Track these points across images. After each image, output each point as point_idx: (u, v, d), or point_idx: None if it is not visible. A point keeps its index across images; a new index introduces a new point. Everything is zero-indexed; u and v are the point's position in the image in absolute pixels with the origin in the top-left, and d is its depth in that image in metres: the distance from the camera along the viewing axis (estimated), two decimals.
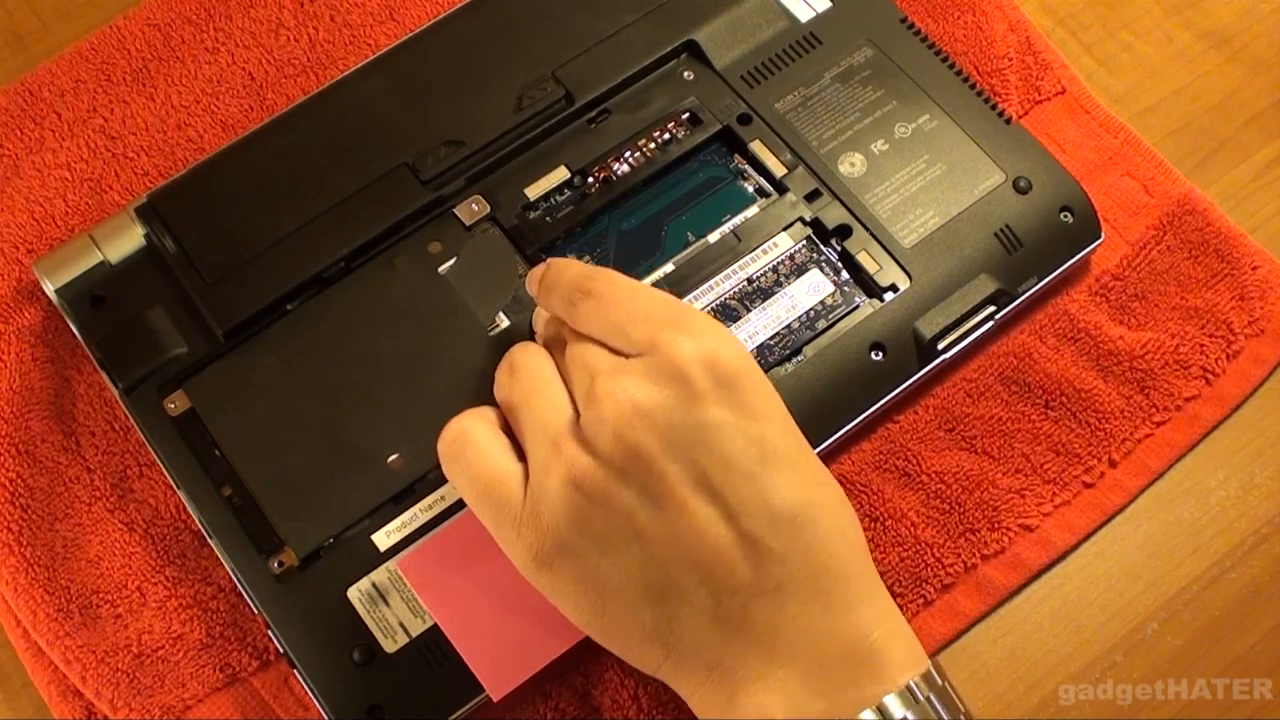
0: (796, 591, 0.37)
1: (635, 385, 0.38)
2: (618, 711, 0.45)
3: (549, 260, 0.44)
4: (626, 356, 0.39)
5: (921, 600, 0.47)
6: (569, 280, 0.41)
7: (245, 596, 0.45)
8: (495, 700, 0.42)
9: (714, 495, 0.38)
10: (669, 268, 0.49)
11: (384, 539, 0.45)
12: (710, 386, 0.38)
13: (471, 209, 0.50)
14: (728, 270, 0.49)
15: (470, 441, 0.41)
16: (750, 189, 0.51)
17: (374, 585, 0.44)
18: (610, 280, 0.41)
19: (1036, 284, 0.49)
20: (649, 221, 0.51)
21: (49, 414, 0.50)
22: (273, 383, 0.47)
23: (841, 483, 0.48)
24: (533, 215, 0.50)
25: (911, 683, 0.37)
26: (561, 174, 0.51)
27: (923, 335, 0.48)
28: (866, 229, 0.49)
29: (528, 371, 0.42)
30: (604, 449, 0.38)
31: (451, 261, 0.49)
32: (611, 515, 0.38)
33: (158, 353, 0.48)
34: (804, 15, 0.54)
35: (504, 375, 0.42)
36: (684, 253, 0.50)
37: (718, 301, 0.49)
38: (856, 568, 0.38)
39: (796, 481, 0.38)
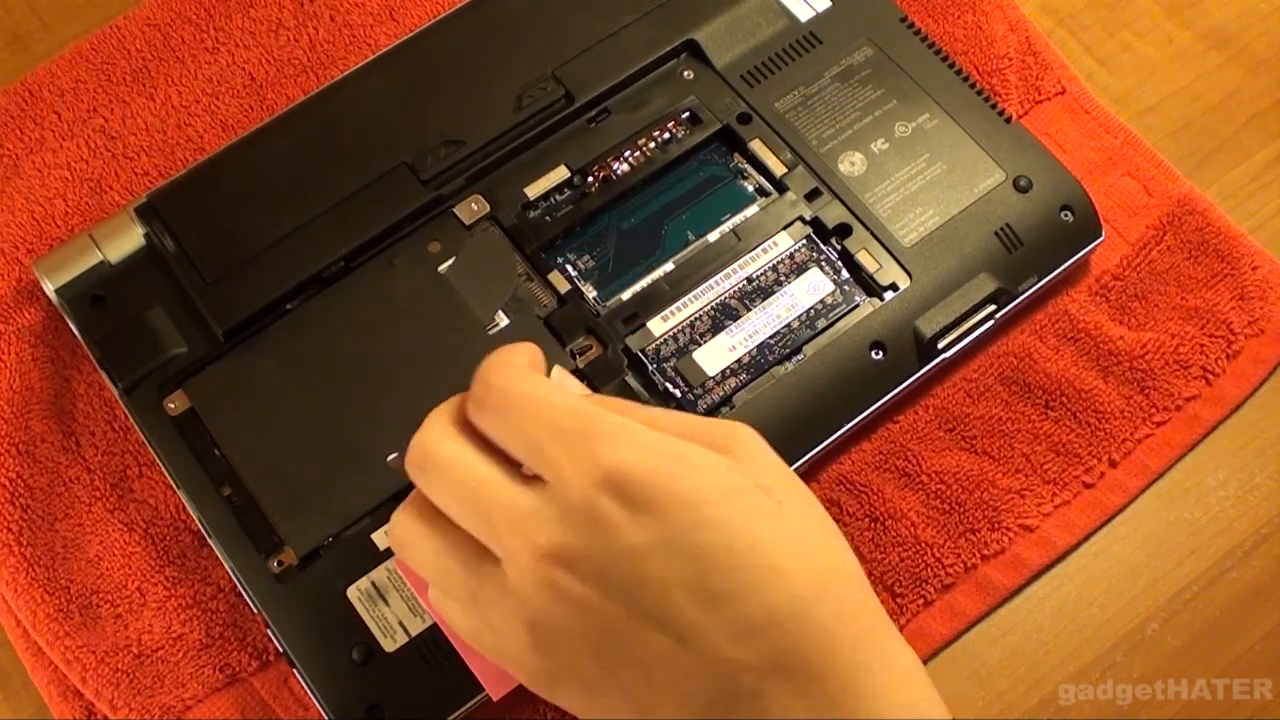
0: (777, 695, 0.34)
1: (548, 534, 0.34)
2: None
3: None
4: (527, 476, 0.36)
5: (921, 600, 0.47)
6: (481, 378, 0.37)
7: (245, 596, 0.45)
8: (494, 699, 0.42)
9: (663, 625, 0.34)
10: (669, 267, 0.49)
11: (383, 538, 0.45)
12: (623, 510, 0.34)
13: (471, 208, 0.50)
14: (728, 269, 0.49)
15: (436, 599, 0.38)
16: (750, 188, 0.51)
17: (373, 584, 0.44)
18: (506, 388, 0.36)
19: (1037, 283, 0.49)
20: (649, 220, 0.51)
21: (49, 414, 0.50)
22: (272, 382, 0.47)
23: (841, 483, 0.48)
24: (532, 214, 0.50)
25: None
26: (561, 173, 0.51)
27: (923, 334, 0.48)
28: (866, 228, 0.49)
29: (416, 555, 0.37)
30: (541, 608, 0.35)
31: (451, 261, 0.49)
32: (577, 663, 0.35)
33: (157, 352, 0.48)
34: (804, 15, 0.54)
35: (395, 546, 0.38)
36: (684, 252, 0.50)
37: (718, 301, 0.49)
38: (846, 652, 0.34)
39: (750, 585, 0.34)
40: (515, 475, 0.36)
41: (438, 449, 0.37)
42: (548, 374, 0.39)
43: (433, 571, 0.37)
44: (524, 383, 0.36)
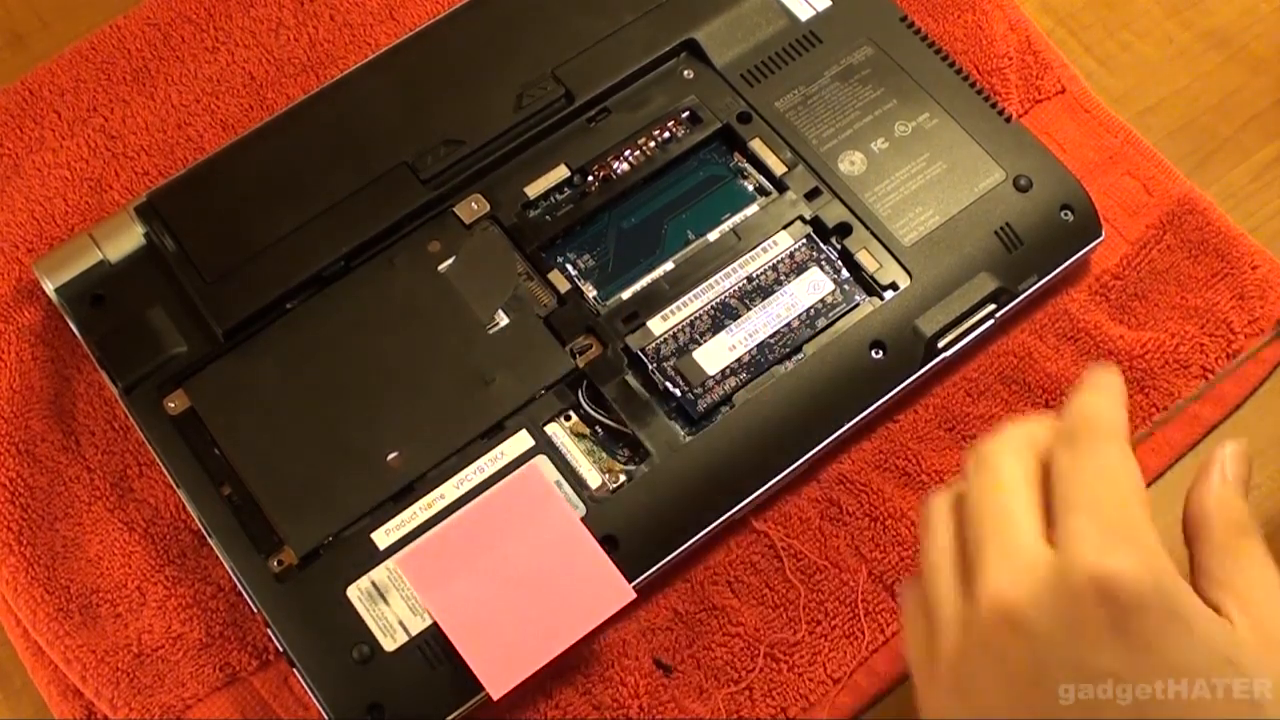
0: None
1: (1023, 591, 0.33)
2: (618, 710, 0.45)
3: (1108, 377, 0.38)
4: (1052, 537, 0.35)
5: None
6: (1078, 415, 0.36)
7: (245, 596, 0.45)
8: (495, 699, 0.42)
9: None
10: (669, 266, 0.49)
11: (383, 537, 0.45)
12: (1103, 620, 0.32)
13: (471, 208, 0.50)
14: (728, 269, 0.49)
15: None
16: (750, 187, 0.51)
17: (373, 584, 0.44)
18: (1094, 441, 0.35)
19: (1037, 282, 0.49)
20: (649, 220, 0.51)
21: (49, 414, 0.50)
22: (272, 382, 0.47)
23: (841, 482, 0.48)
24: (533, 214, 0.50)
25: None
26: (561, 172, 0.51)
27: (923, 334, 0.48)
28: (866, 227, 0.49)
29: (927, 542, 0.37)
30: (973, 655, 0.34)
31: (451, 260, 0.49)
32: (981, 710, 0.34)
33: (157, 352, 0.48)
34: (804, 14, 0.54)
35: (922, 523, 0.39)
36: (684, 251, 0.50)
37: (718, 300, 0.49)
38: None
39: None
40: (1042, 526, 0.35)
41: (997, 456, 0.36)
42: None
43: (923, 560, 0.37)
44: (1114, 444, 0.35)
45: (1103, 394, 0.37)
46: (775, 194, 0.51)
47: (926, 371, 0.48)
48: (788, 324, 0.48)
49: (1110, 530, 0.33)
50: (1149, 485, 0.49)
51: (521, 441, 0.46)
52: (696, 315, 0.48)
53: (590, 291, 0.49)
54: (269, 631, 0.45)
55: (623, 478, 0.46)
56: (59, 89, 0.55)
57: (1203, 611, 0.33)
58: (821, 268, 0.49)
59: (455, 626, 0.43)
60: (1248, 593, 0.34)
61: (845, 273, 0.49)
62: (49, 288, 0.49)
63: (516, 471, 0.46)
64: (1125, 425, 0.37)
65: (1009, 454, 0.37)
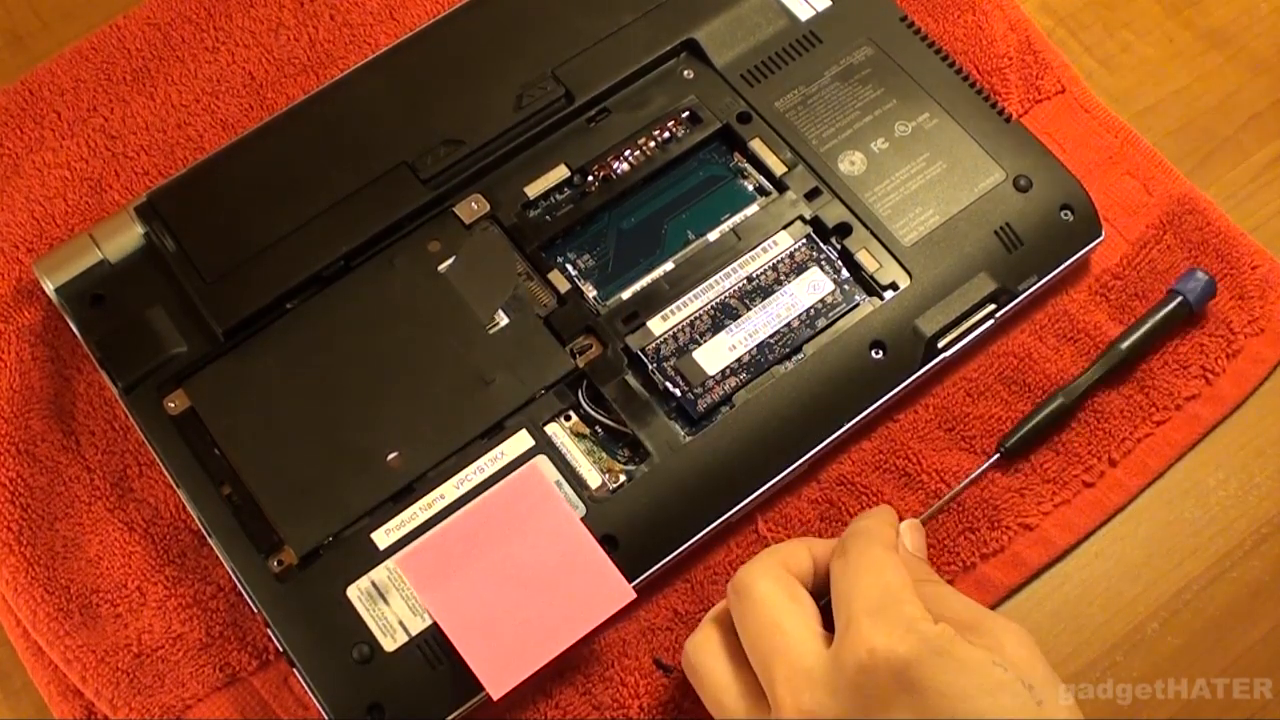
0: None
1: (812, 698, 0.38)
2: (618, 710, 0.45)
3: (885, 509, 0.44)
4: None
5: None
6: (849, 533, 0.42)
7: (245, 596, 0.45)
8: (495, 699, 0.42)
9: None
10: (669, 266, 0.49)
11: (383, 537, 0.45)
12: (889, 688, 0.37)
13: (471, 208, 0.50)
14: (728, 269, 0.49)
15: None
16: (750, 187, 0.51)
17: (374, 584, 0.44)
18: (863, 547, 0.41)
19: (1037, 282, 0.49)
20: (649, 220, 0.51)
21: (49, 414, 0.50)
22: (272, 382, 0.47)
23: (841, 483, 0.48)
24: (533, 214, 0.50)
25: None
26: (561, 172, 0.51)
27: (923, 334, 0.48)
28: (866, 227, 0.49)
29: (705, 685, 0.42)
30: None
31: (451, 260, 0.49)
32: None
33: (157, 352, 0.48)
34: (804, 14, 0.54)
35: (689, 674, 0.43)
36: (684, 251, 0.50)
37: (718, 300, 0.49)
38: None
39: None
40: (817, 628, 0.40)
41: (756, 582, 0.41)
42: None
43: (711, 692, 0.41)
44: (879, 547, 0.41)
45: (870, 517, 0.43)
46: (775, 194, 0.51)
47: (926, 371, 0.48)
48: (788, 324, 0.48)
49: (872, 613, 0.38)
50: (1149, 485, 0.49)
51: (521, 441, 0.46)
52: (696, 315, 0.48)
53: (590, 291, 0.49)
54: (269, 631, 0.45)
55: (623, 478, 0.46)
56: (59, 89, 0.55)
57: (965, 648, 0.37)
58: (821, 268, 0.49)
59: (455, 626, 0.43)
60: (965, 616, 0.39)
61: (845, 273, 0.49)
62: (49, 288, 0.49)
63: (516, 471, 0.46)
64: (889, 534, 0.42)
65: (763, 578, 0.41)
